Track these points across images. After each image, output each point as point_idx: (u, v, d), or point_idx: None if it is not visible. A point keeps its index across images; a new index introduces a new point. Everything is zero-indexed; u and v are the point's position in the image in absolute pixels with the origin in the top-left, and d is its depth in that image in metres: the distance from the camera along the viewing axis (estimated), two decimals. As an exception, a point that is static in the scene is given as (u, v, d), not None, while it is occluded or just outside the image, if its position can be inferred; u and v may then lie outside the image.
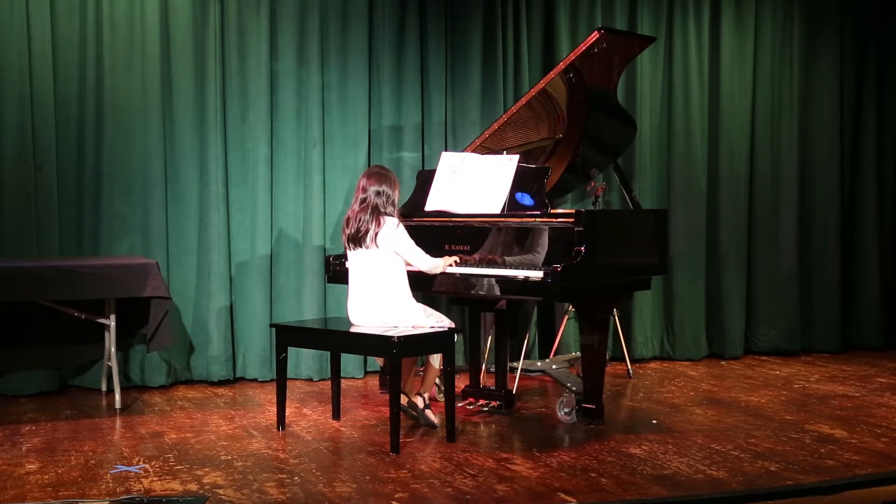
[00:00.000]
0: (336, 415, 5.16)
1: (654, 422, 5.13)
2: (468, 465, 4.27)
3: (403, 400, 4.91)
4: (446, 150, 6.27)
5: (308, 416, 5.25)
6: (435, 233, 5.24)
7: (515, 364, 6.01)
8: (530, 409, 5.45)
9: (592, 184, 5.98)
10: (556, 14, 6.80)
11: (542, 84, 5.32)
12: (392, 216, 4.78)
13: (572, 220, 4.75)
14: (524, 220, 4.98)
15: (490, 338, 5.95)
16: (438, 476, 4.10)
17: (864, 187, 7.57)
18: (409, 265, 4.90)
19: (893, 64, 7.58)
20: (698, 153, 7.12)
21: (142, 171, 5.97)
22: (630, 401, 5.73)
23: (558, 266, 4.60)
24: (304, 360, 6.27)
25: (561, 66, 5.26)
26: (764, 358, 7.23)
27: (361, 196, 4.80)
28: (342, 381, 5.44)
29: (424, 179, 5.56)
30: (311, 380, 6.27)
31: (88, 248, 5.90)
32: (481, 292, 4.88)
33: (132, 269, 5.22)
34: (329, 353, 5.59)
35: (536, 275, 4.68)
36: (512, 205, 5.11)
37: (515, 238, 4.98)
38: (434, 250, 5.05)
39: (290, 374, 5.93)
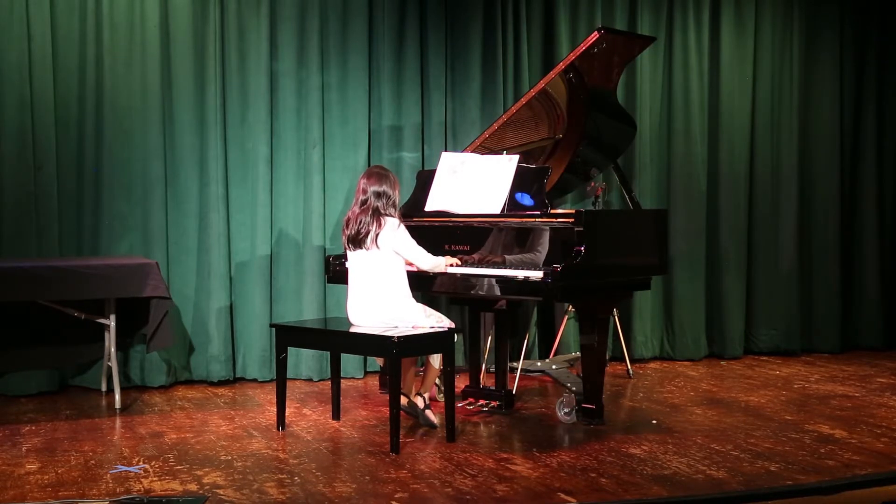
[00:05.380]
0: (336, 415, 5.16)
1: (654, 422, 5.13)
2: (468, 465, 4.27)
3: (403, 400, 4.91)
4: (446, 150, 6.28)
5: (308, 416, 5.25)
6: (435, 233, 5.24)
7: (515, 364, 6.01)
8: (530, 409, 5.45)
9: (592, 184, 5.98)
10: (556, 14, 6.80)
11: (542, 84, 5.32)
12: (393, 217, 4.78)
13: (572, 220, 4.75)
14: (524, 220, 4.98)
15: (490, 338, 5.95)
16: (438, 476, 4.10)
17: (864, 187, 7.57)
18: (410, 265, 4.91)
19: (893, 64, 7.58)
20: (698, 153, 7.13)
21: (142, 171, 5.98)
22: (630, 401, 5.73)
23: (558, 266, 4.60)
24: (304, 360, 6.27)
25: (561, 66, 5.26)
26: (764, 358, 7.23)
27: (362, 198, 4.80)
28: (342, 381, 5.44)
29: (424, 179, 5.56)
30: (311, 380, 6.27)
31: (88, 248, 5.90)
32: (481, 292, 4.88)
33: (132, 269, 5.22)
34: (329, 353, 5.59)
35: (536, 275, 4.68)
36: (512, 205, 5.11)
37: (515, 238, 4.98)
38: (434, 250, 5.05)
39: (290, 374, 5.93)
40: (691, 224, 7.12)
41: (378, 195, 4.77)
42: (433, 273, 4.97)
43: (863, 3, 7.49)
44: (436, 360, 4.94)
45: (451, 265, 5.02)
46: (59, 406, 5.49)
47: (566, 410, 5.07)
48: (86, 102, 5.87)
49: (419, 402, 4.97)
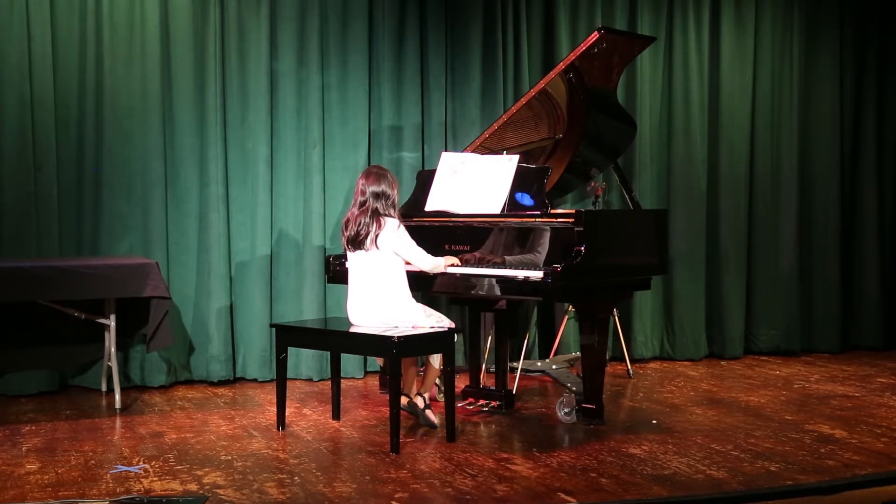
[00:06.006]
0: (336, 415, 5.16)
1: (654, 422, 5.13)
2: (468, 465, 4.27)
3: (404, 400, 4.91)
4: (446, 150, 6.28)
5: (308, 416, 5.25)
6: (435, 233, 5.24)
7: (515, 364, 6.01)
8: (530, 409, 5.45)
9: (592, 184, 5.98)
10: (556, 14, 6.80)
11: (542, 84, 5.32)
12: (392, 217, 4.78)
13: (572, 220, 4.75)
14: (524, 220, 4.98)
15: (490, 338, 5.95)
16: (438, 476, 4.10)
17: (864, 187, 7.57)
18: (410, 265, 4.90)
19: (893, 64, 7.58)
20: (698, 153, 7.13)
21: (142, 171, 5.98)
22: (630, 401, 5.73)
23: (558, 266, 4.60)
24: (304, 360, 6.27)
25: (561, 66, 5.26)
26: (764, 358, 7.23)
27: (361, 199, 4.79)
28: (342, 381, 5.44)
29: (424, 179, 5.56)
30: (311, 380, 6.27)
31: (88, 248, 5.90)
32: (481, 292, 4.88)
33: (132, 269, 5.22)
34: (329, 353, 5.59)
35: (536, 275, 4.68)
36: (512, 205, 5.11)
37: (515, 238, 4.98)
38: (434, 250, 5.05)
39: (290, 374, 5.93)
40: (691, 224, 7.12)
41: (377, 196, 4.77)
42: (433, 273, 4.97)
43: (863, 3, 7.49)
44: (436, 360, 4.94)
45: (451, 265, 5.02)
46: (59, 406, 5.49)
47: (566, 410, 5.07)
48: (86, 102, 5.87)
49: (419, 402, 4.97)
